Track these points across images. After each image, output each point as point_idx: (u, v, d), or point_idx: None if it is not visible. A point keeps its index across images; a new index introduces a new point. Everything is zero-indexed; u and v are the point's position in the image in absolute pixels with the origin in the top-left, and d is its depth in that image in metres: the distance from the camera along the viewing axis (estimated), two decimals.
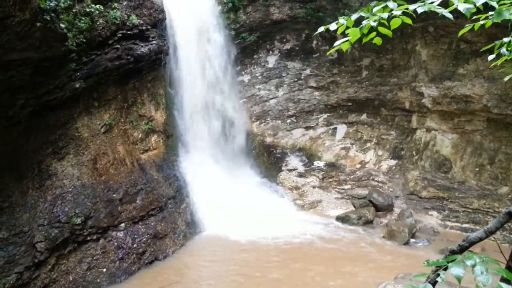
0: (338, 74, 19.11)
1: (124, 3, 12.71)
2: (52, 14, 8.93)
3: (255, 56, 19.29)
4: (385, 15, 3.42)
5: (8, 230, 9.55)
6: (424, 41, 17.04)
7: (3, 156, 9.86)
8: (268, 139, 19.57)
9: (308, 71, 19.42)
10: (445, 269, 2.58)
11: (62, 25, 9.63)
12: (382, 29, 3.54)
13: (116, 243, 11.54)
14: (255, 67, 19.41)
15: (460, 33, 3.97)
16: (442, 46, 16.67)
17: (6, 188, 9.91)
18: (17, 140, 10.20)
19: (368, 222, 16.24)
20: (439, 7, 3.22)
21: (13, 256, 9.37)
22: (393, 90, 18.30)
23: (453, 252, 3.68)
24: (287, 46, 19.31)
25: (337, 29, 3.78)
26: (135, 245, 11.90)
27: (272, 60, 19.46)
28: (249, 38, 18.52)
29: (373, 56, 18.41)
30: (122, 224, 11.96)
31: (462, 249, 3.71)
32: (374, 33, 3.65)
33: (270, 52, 19.41)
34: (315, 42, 19.06)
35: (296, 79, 19.51)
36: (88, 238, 10.98)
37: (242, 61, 19.05)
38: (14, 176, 10.14)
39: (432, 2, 3.33)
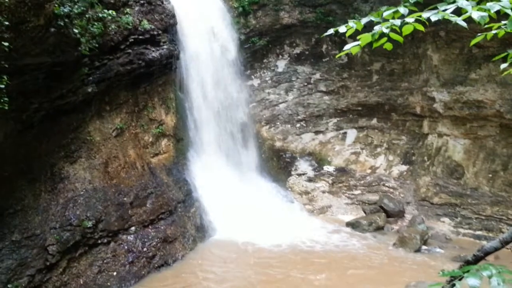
0: (348, 78, 19.06)
1: (136, 8, 12.82)
2: (66, 20, 9.04)
3: (264, 60, 19.32)
4: (398, 22, 3.41)
5: (20, 233, 9.65)
6: (436, 45, 16.92)
7: (17, 159, 9.97)
8: (278, 143, 19.56)
9: (318, 76, 19.39)
10: (460, 279, 2.56)
11: (76, 30, 9.74)
12: (393, 35, 3.53)
13: (126, 247, 11.59)
14: (264, 71, 19.43)
15: (472, 42, 3.93)
16: (454, 51, 16.53)
17: (19, 191, 10.02)
18: (30, 143, 10.32)
19: (379, 228, 16.11)
20: (452, 15, 3.19)
21: (25, 259, 9.46)
22: (404, 94, 18.20)
23: (468, 263, 3.64)
24: (297, 50, 19.31)
25: (347, 33, 3.78)
26: (145, 249, 11.95)
27: (281, 64, 19.47)
28: (259, 43, 18.56)
29: (383, 61, 18.34)
30: (132, 228, 12.02)
31: (477, 259, 3.67)
32: (385, 39, 3.64)
33: (280, 56, 19.42)
34: (325, 46, 19.04)
35: (305, 83, 19.49)
36: (99, 241, 11.05)
37: (251, 65, 19.09)
38: (27, 179, 10.25)
39: (445, 10, 3.31)
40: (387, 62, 18.28)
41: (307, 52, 19.21)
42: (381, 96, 18.60)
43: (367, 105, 18.93)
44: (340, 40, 18.26)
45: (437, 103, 17.19)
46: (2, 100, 7.51)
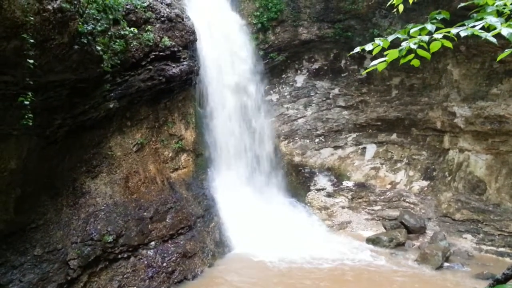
0: (367, 93, 18.97)
1: (157, 25, 13.03)
2: (89, 37, 9.20)
3: (283, 76, 19.39)
4: (426, 38, 3.40)
5: (42, 248, 9.75)
6: (456, 60, 16.77)
7: (40, 174, 10.14)
8: (297, 158, 19.48)
9: (336, 91, 19.35)
10: None
11: (98, 48, 9.89)
12: (420, 51, 3.52)
13: (146, 262, 11.60)
14: (283, 86, 19.48)
15: (499, 57, 3.88)
16: (475, 66, 16.34)
17: (41, 206, 10.16)
18: (53, 159, 10.48)
19: (400, 245, 15.82)
20: (481, 31, 3.17)
21: (46, 273, 9.53)
22: (424, 109, 18.01)
23: (498, 281, 3.55)
24: (316, 65, 19.34)
25: (373, 51, 3.78)
26: (164, 264, 11.93)
27: (300, 80, 19.51)
28: (277, 58, 18.66)
29: (403, 75, 18.23)
30: (152, 243, 12.03)
31: (507, 278, 3.58)
32: (412, 55, 3.63)
33: (299, 71, 19.47)
34: (343, 61, 19.04)
35: (324, 98, 19.46)
36: (119, 256, 11.07)
37: (270, 81, 19.17)
38: (49, 194, 10.39)
39: (473, 26, 3.28)
40: (406, 77, 18.16)
41: (325, 67, 19.23)
42: (401, 111, 18.45)
43: (386, 120, 18.78)
44: (359, 56, 18.25)
45: (458, 118, 16.95)
46: (26, 116, 7.64)
